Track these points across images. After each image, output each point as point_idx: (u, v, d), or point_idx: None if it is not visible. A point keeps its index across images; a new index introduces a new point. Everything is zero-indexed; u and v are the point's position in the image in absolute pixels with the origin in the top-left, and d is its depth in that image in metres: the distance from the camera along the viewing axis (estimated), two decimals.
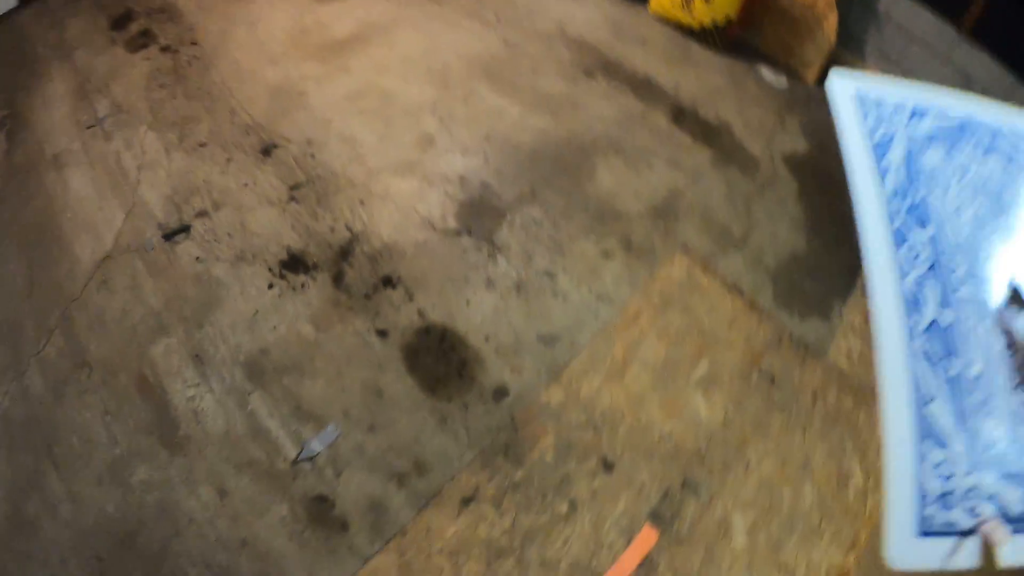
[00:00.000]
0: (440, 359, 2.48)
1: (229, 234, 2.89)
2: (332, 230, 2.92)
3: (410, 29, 4.30)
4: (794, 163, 3.97)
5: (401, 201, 3.10)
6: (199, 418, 2.31)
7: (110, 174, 3.20)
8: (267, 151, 3.32)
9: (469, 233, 3.00)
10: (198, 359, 2.40)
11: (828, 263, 3.40)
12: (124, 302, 2.59)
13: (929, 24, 4.64)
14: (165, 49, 4.03)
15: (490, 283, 2.79)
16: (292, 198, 3.07)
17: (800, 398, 2.71)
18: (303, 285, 2.69)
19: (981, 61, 4.53)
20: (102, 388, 2.32)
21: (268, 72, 3.85)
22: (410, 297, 2.67)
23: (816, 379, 2.84)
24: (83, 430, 2.32)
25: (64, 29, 4.28)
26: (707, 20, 4.74)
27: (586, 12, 4.82)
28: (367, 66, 3.95)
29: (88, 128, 3.48)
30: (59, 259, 2.81)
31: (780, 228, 3.49)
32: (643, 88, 4.17)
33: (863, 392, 2.82)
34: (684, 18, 4.83)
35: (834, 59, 4.94)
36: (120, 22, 4.29)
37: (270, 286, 2.68)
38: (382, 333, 2.53)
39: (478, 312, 2.67)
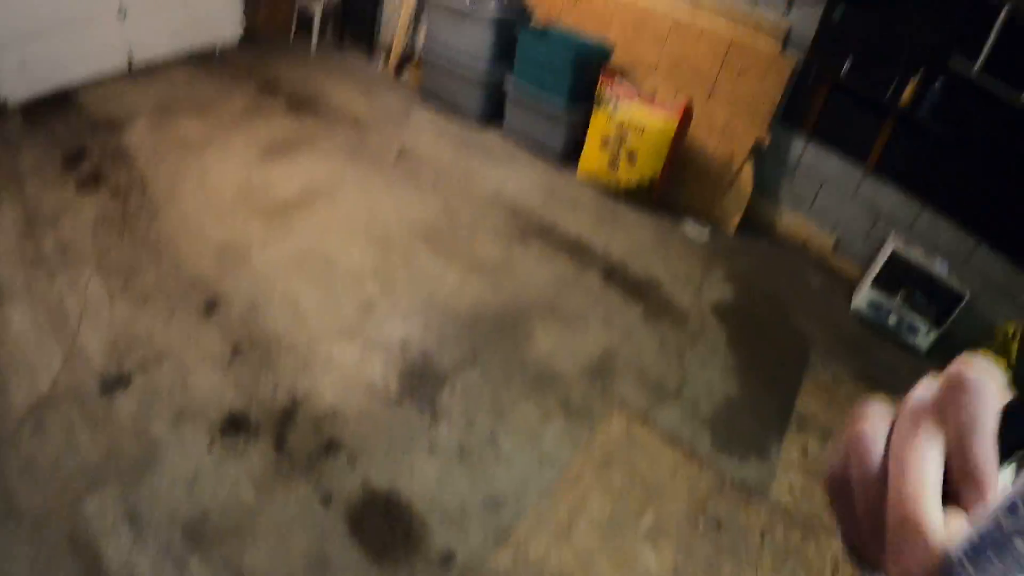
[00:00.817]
0: (385, 526, 2.52)
1: (170, 390, 2.90)
2: (274, 393, 2.99)
3: (353, 192, 4.57)
4: (721, 311, 4.32)
5: (343, 366, 3.21)
6: None
7: (51, 314, 3.19)
8: (211, 308, 3.41)
9: (411, 399, 3.12)
10: (134, 518, 2.36)
11: (762, 404, 3.65)
12: (58, 451, 2.55)
13: (836, 166, 5.28)
14: (115, 193, 4.14)
15: (433, 448, 2.89)
16: (234, 358, 3.13)
17: (748, 539, 2.84)
18: (244, 448, 2.71)
19: (886, 193, 5.13)
20: (30, 542, 2.23)
21: (215, 228, 4.00)
22: (353, 463, 2.74)
23: (761, 519, 2.97)
24: None
25: (18, 156, 4.32)
26: (632, 181, 5.24)
27: (520, 178, 5.23)
28: (310, 228, 4.16)
29: (32, 264, 3.48)
30: None
31: (713, 375, 3.75)
32: (575, 250, 4.51)
33: (809, 525, 2.98)
34: (611, 180, 5.33)
35: (752, 209, 5.50)
36: (74, 159, 4.39)
37: (210, 447, 2.69)
38: (326, 500, 2.57)
39: (422, 478, 2.75)
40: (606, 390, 3.46)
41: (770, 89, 5.14)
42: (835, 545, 2.94)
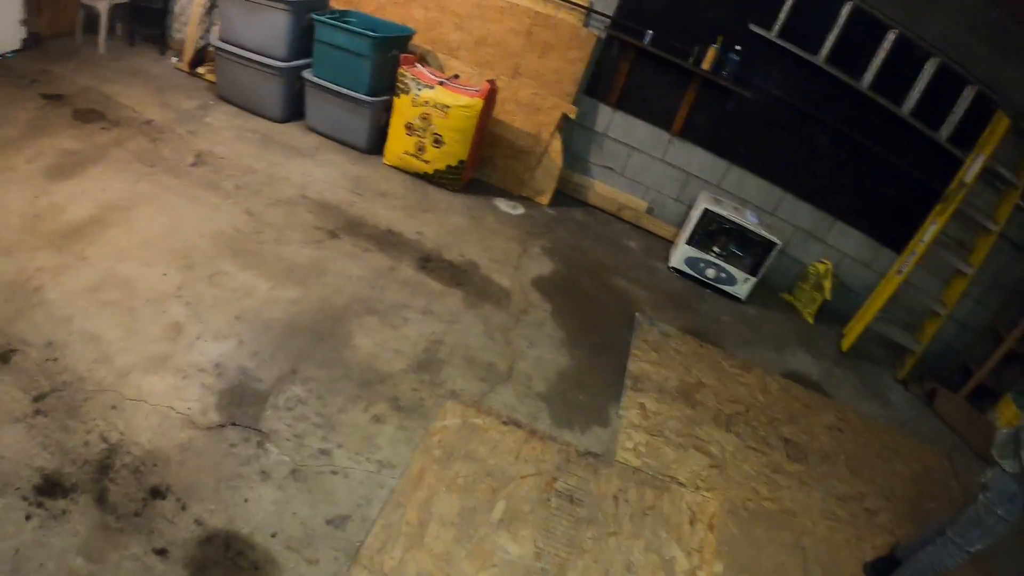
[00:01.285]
0: (230, 568, 2.44)
1: None
2: (87, 443, 2.80)
3: (149, 208, 4.33)
4: (543, 285, 4.48)
5: (156, 400, 3.06)
6: None
7: None
8: (5, 358, 3.12)
9: (233, 424, 3.02)
10: None
11: (595, 372, 3.83)
12: None
13: (644, 133, 5.64)
14: None
15: (265, 475, 2.83)
16: (38, 411, 2.89)
17: (603, 507, 2.95)
18: (64, 511, 2.51)
19: (694, 154, 5.55)
20: None
21: (0, 264, 3.68)
22: (183, 506, 2.62)
23: (613, 484, 3.10)
24: None
25: None
26: (440, 165, 5.33)
27: (326, 172, 5.18)
28: (106, 252, 3.90)
29: None
30: None
31: (542, 351, 3.88)
32: (387, 241, 4.51)
33: (660, 481, 3.18)
34: (419, 166, 5.39)
35: (564, 180, 5.76)
36: None
37: (27, 518, 2.47)
38: (161, 552, 2.45)
39: (259, 508, 2.68)
40: (435, 382, 3.49)
41: (575, 64, 5.36)
42: (688, 496, 3.19)
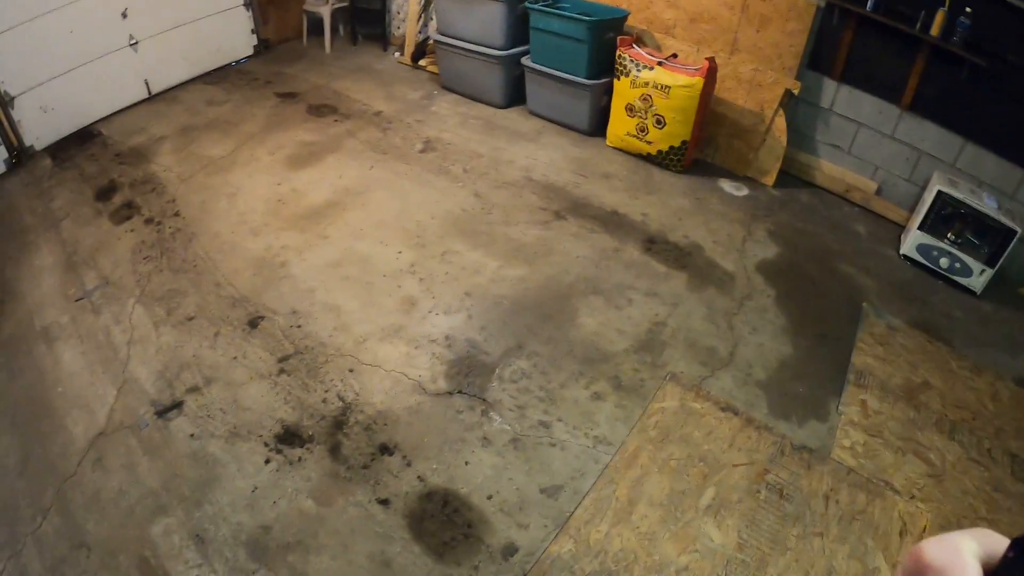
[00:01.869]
0: (445, 523, 2.55)
1: (222, 409, 2.98)
2: (324, 401, 3.04)
3: (382, 191, 4.60)
4: (767, 270, 4.21)
5: (390, 367, 3.24)
6: None
7: (100, 349, 3.31)
8: (254, 323, 3.48)
9: (461, 393, 3.13)
10: (199, 539, 2.43)
11: (817, 363, 3.55)
12: (120, 481, 2.64)
13: (871, 108, 5.11)
14: (149, 221, 4.26)
15: (486, 441, 2.90)
16: (282, 370, 3.19)
17: (812, 505, 2.78)
18: (300, 459, 2.76)
19: (925, 130, 4.95)
20: (102, 570, 2.32)
21: (250, 243, 4.08)
22: (408, 463, 2.77)
23: (825, 482, 2.89)
24: None
25: (51, 199, 4.50)
26: (663, 146, 5.15)
27: (549, 155, 5.19)
28: (344, 232, 4.20)
29: (77, 301, 3.62)
30: (51, 435, 2.86)
31: (764, 338, 3.66)
32: (612, 222, 4.45)
33: (874, 485, 2.90)
34: (641, 147, 5.24)
35: (789, 159, 5.36)
36: (104, 193, 4.53)
37: (267, 461, 2.75)
38: (384, 502, 2.61)
39: (478, 472, 2.76)
40: (656, 364, 3.41)
41: (794, 36, 4.98)
42: (901, 505, 2.85)
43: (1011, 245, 4.45)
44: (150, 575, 2.32)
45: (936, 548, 0.33)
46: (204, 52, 6.38)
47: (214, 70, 6.47)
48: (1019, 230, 4.44)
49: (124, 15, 5.50)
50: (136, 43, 5.61)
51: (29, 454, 2.79)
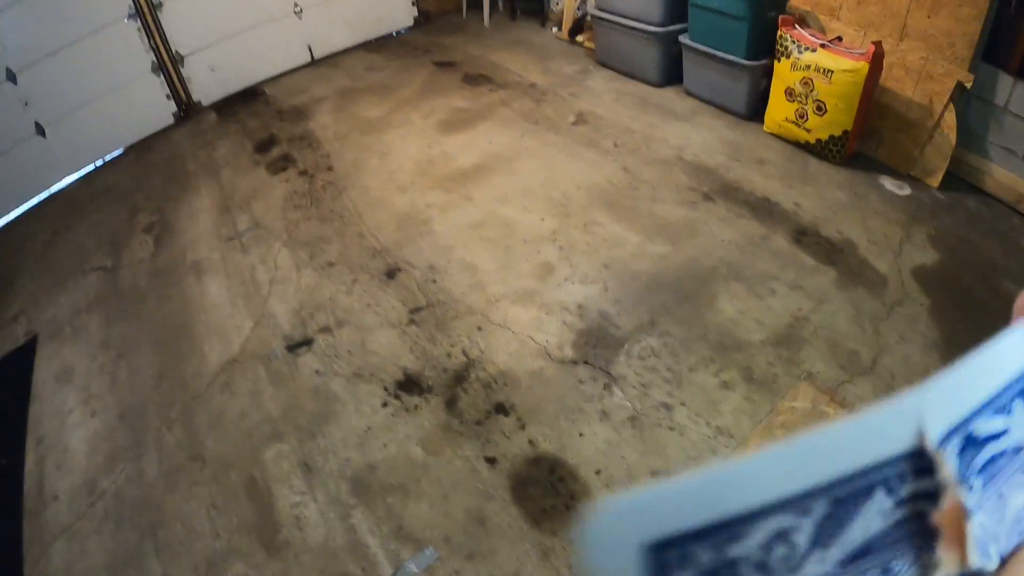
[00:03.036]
0: (548, 491, 2.48)
1: (349, 351, 3.07)
2: (449, 355, 3.05)
3: (531, 159, 4.59)
4: (924, 277, 3.86)
5: (519, 329, 3.21)
6: (300, 525, 2.39)
7: (244, 285, 3.50)
8: (391, 274, 3.56)
9: (586, 363, 3.05)
10: (307, 468, 2.50)
11: None
12: (244, 405, 2.77)
13: None
14: (303, 173, 4.46)
15: (604, 415, 2.80)
16: (412, 321, 3.24)
17: None
18: (416, 407, 2.79)
19: None
20: (212, 482, 2.45)
21: (396, 200, 4.18)
22: (522, 426, 2.72)
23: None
24: (188, 519, 2.45)
25: (213, 149, 4.82)
26: (823, 134, 4.80)
27: (702, 135, 5.01)
28: (489, 196, 4.22)
29: (228, 240, 3.85)
30: (188, 357, 3.07)
31: (912, 349, 3.35)
32: (762, 210, 4.25)
33: None
34: (799, 134, 4.91)
35: (958, 160, 4.86)
36: (263, 146, 4.80)
37: (384, 405, 2.80)
38: (491, 460, 2.57)
39: (591, 444, 2.67)
40: (792, 360, 3.18)
41: (968, 22, 4.48)
42: None
43: None
44: (256, 493, 2.41)
45: None
46: (366, 21, 6.66)
47: (375, 39, 6.74)
48: None
49: None
50: (300, 11, 5.94)
51: (165, 371, 3.00)
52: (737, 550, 0.20)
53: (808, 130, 4.84)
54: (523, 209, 4.10)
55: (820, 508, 0.20)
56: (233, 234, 3.92)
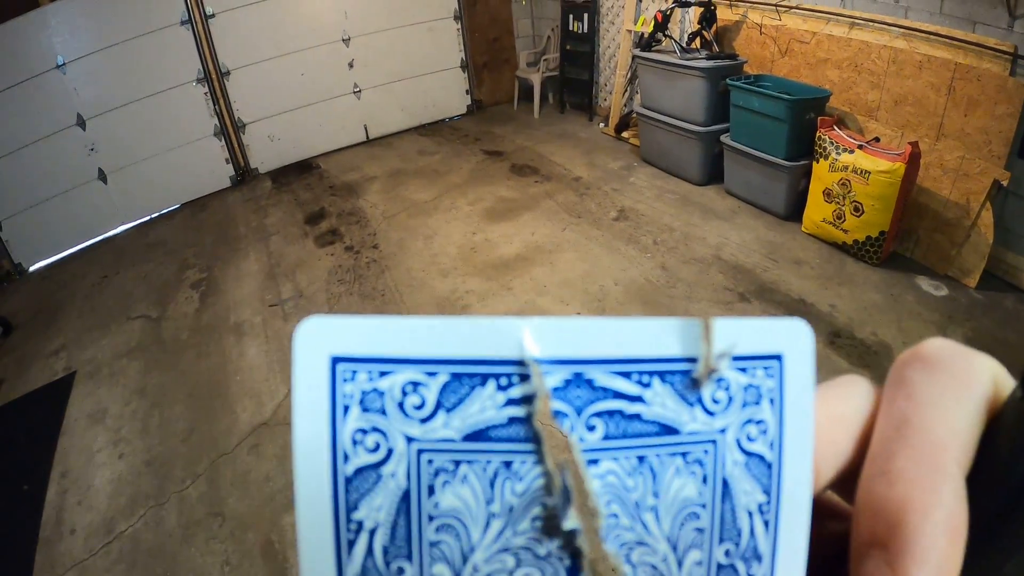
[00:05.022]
0: None
1: None
2: None
3: (571, 252, 4.69)
4: None
5: None
6: None
7: (282, 352, 3.58)
8: None
9: None
10: None
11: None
12: (269, 469, 2.80)
13: None
14: (349, 248, 4.61)
15: None
16: None
17: None
18: None
19: None
20: (229, 539, 2.47)
21: (437, 283, 4.29)
22: None
23: None
24: (201, 572, 2.46)
25: (265, 215, 5.00)
26: (860, 235, 4.81)
27: (741, 235, 5.08)
28: (528, 286, 4.31)
29: (271, 306, 3.97)
30: (221, 415, 3.13)
31: None
32: (798, 310, 4.28)
33: None
34: (837, 235, 4.94)
35: (995, 259, 4.82)
36: (313, 218, 4.97)
37: None
38: None
39: None
40: None
41: (1003, 120, 4.56)
42: None
43: None
44: (272, 556, 2.42)
45: (942, 344, 0.26)
46: (420, 106, 7.02)
47: (428, 123, 7.07)
48: None
49: (351, 65, 6.26)
50: (359, 91, 6.27)
51: (196, 425, 3.06)
52: (383, 384, 0.25)
53: (845, 231, 4.90)
54: (560, 301, 4.17)
55: (443, 376, 0.25)
56: (276, 300, 4.03)
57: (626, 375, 0.27)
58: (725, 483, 0.27)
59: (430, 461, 0.26)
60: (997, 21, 4.61)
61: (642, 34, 6.16)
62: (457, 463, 0.26)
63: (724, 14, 5.99)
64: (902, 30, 5.05)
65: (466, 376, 0.26)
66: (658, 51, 5.90)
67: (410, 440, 0.26)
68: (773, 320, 0.29)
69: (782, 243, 5.07)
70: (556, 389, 0.26)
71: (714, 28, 5.90)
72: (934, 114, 4.89)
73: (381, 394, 0.26)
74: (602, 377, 0.27)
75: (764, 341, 0.29)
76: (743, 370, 0.28)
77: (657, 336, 0.28)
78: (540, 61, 7.43)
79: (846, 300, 4.44)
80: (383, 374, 0.26)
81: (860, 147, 4.78)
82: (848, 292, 4.54)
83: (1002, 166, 4.69)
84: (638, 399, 0.27)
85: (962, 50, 4.78)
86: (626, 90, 6.83)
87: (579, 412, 0.26)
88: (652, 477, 0.27)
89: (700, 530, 0.27)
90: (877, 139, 5.00)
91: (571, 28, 7.34)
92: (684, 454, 0.27)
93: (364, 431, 0.25)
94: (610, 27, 7.12)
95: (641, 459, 0.27)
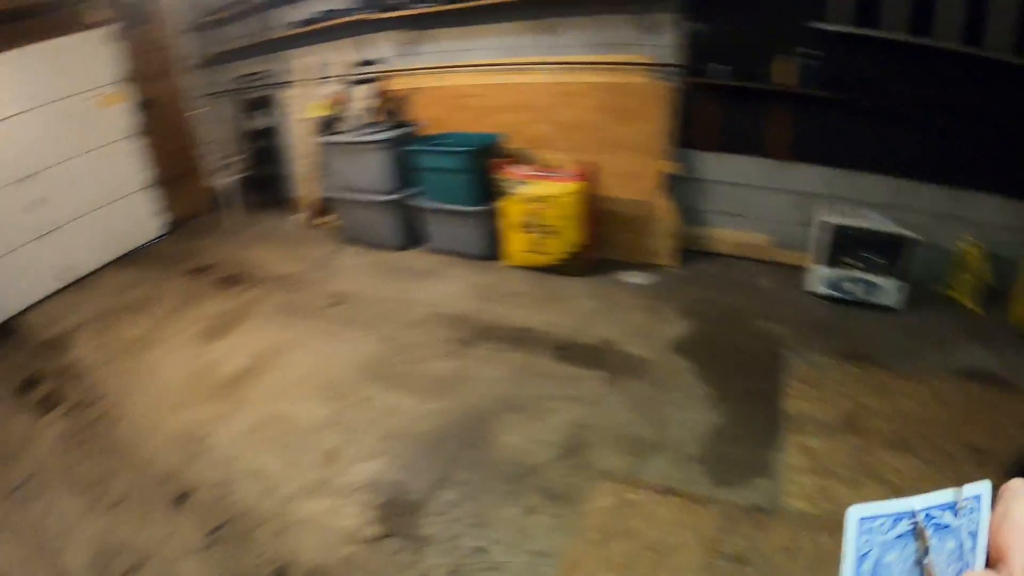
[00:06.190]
0: None
1: None
2: (258, 566, 3.15)
3: (296, 350, 4.87)
4: (683, 347, 4.44)
5: (320, 521, 3.38)
6: None
7: (34, 542, 3.42)
8: (181, 499, 3.61)
9: (391, 536, 3.25)
10: None
11: (749, 422, 3.70)
12: None
13: (746, 167, 5.54)
14: (74, 408, 4.46)
15: None
16: (214, 542, 3.31)
17: (774, 561, 2.79)
18: None
19: (798, 172, 5.39)
20: None
21: (171, 420, 4.27)
22: None
23: (783, 536, 2.90)
24: None
25: None
26: (560, 254, 5.49)
27: (452, 287, 5.53)
28: (263, 395, 4.42)
29: (4, 497, 3.74)
30: None
31: (690, 413, 3.79)
32: (521, 339, 4.69)
33: (835, 521, 3.04)
34: (540, 259, 5.58)
35: (688, 237, 5.71)
36: (27, 386, 4.73)
37: None
38: None
39: None
40: (585, 465, 3.54)
41: (658, 121, 5.51)
42: None
43: (910, 252, 4.67)
44: None
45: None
46: (116, 237, 6.83)
47: (125, 254, 6.87)
48: (914, 236, 4.66)
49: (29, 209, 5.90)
50: (46, 235, 5.97)
51: None
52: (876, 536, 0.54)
53: (547, 254, 5.53)
54: (297, 401, 4.32)
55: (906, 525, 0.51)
56: (8, 489, 3.80)
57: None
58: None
59: None
60: (639, 40, 5.51)
61: (325, 119, 6.50)
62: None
63: (399, 83, 6.52)
64: (562, 66, 5.83)
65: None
66: (340, 132, 6.31)
67: None
68: (981, 483, 0.51)
69: (493, 283, 5.58)
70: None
71: (389, 99, 6.38)
72: (600, 130, 5.71)
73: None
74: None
75: (975, 489, 0.51)
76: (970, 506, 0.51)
77: (941, 496, 0.51)
78: (229, 164, 7.51)
79: (563, 315, 4.98)
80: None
81: (534, 177, 5.46)
82: (564, 307, 5.09)
83: (667, 158, 5.53)
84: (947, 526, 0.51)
85: (613, 72, 5.62)
86: (315, 175, 7.10)
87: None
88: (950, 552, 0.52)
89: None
90: (550, 167, 5.67)
91: (254, 126, 7.54)
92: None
93: None
94: (292, 119, 7.39)
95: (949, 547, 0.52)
